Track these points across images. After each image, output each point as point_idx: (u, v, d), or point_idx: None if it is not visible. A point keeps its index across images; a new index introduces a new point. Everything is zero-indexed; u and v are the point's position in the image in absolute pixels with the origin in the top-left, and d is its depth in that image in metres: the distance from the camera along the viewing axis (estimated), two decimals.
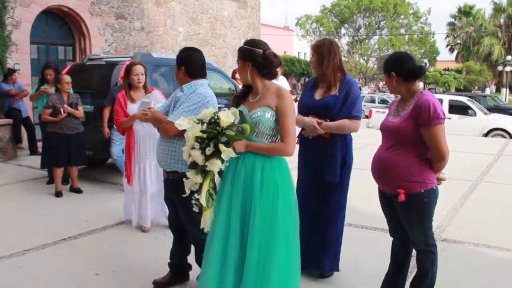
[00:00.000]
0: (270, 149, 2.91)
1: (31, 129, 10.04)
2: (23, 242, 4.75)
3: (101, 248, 4.67)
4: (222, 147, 2.67)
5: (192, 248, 3.83)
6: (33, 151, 9.97)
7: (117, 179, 7.65)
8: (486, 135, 14.99)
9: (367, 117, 19.74)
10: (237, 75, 9.03)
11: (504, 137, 14.70)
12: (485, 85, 49.25)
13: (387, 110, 15.68)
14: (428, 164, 3.05)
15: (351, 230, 5.05)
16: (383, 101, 30.18)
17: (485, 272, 4.22)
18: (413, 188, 3.00)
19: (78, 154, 6.79)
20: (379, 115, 17.70)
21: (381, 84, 60.70)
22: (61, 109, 6.53)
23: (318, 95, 3.84)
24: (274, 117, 2.91)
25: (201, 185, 2.77)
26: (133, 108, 4.95)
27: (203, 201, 2.74)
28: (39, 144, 9.89)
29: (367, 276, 3.99)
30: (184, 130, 2.78)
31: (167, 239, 4.80)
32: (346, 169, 3.88)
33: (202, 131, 2.69)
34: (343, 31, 45.90)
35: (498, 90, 48.49)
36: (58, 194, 6.65)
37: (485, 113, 16.03)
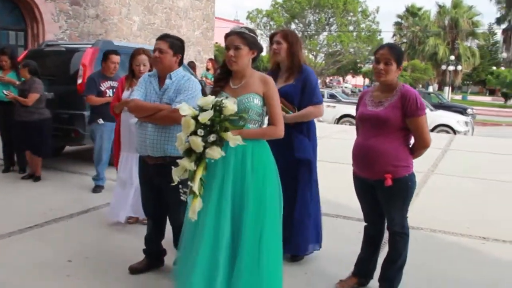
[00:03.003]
0: (263, 133, 3.05)
1: None
2: None
3: (70, 236, 4.64)
4: (229, 134, 2.74)
5: (168, 232, 3.89)
6: None
7: (77, 167, 7.57)
8: (432, 130, 15.60)
9: None
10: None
11: (448, 132, 15.37)
12: (428, 83, 51.00)
13: (337, 104, 15.86)
14: (409, 149, 3.28)
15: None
16: (332, 96, 30.60)
17: (443, 255, 4.49)
18: (400, 172, 3.20)
19: (32, 142, 6.67)
20: (330, 109, 18.10)
21: (328, 79, 61.83)
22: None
23: (278, 84, 3.76)
24: (261, 103, 3.04)
25: (193, 172, 2.79)
26: (125, 95, 4.80)
27: (196, 188, 2.76)
28: None
29: (336, 260, 4.17)
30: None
31: (136, 225, 4.85)
32: (313, 147, 3.99)
33: (209, 119, 2.72)
34: (293, 26, 46.30)
35: (440, 88, 50.36)
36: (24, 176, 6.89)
37: (431, 110, 16.69)
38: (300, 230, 3.97)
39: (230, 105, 2.78)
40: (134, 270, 3.81)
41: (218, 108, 2.76)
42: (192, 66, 12.30)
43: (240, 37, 3.02)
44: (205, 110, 2.77)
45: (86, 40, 12.53)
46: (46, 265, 3.95)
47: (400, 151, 3.22)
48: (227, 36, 3.09)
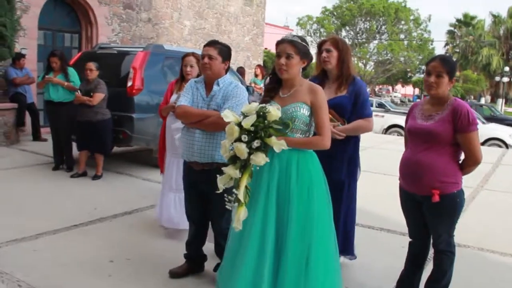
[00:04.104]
0: (308, 143, 3.00)
1: (36, 115, 10.04)
2: (35, 226, 4.77)
3: (113, 236, 4.72)
4: (273, 139, 2.72)
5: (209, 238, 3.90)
6: (36, 137, 9.97)
7: (124, 168, 7.72)
8: (483, 144, 15.13)
9: None
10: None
11: (500, 146, 14.85)
12: (480, 95, 49.61)
13: (385, 114, 15.55)
14: (459, 165, 3.18)
15: (358, 230, 5.14)
16: (381, 105, 30.17)
17: (491, 276, 4.32)
18: (448, 188, 3.10)
19: (95, 142, 6.92)
20: (378, 119, 17.82)
21: (377, 88, 61.00)
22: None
23: (327, 95, 3.65)
24: (309, 112, 3.00)
25: (238, 180, 2.77)
26: (173, 99, 4.79)
27: (241, 196, 2.74)
28: (43, 130, 9.95)
29: (377, 275, 4.07)
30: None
31: (180, 229, 4.87)
32: (354, 168, 3.87)
33: (252, 125, 2.71)
34: (343, 33, 45.98)
35: (493, 100, 48.88)
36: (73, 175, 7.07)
37: (483, 122, 16.20)
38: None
39: (274, 111, 2.75)
40: (174, 274, 3.83)
41: (262, 114, 2.75)
42: (241, 72, 12.36)
43: (292, 46, 3.00)
44: (248, 116, 2.76)
45: (137, 43, 12.80)
46: (89, 263, 4.02)
47: (448, 167, 3.12)
48: (278, 43, 3.07)
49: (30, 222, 4.90)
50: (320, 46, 3.88)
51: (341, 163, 3.74)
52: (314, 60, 3.95)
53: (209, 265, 3.91)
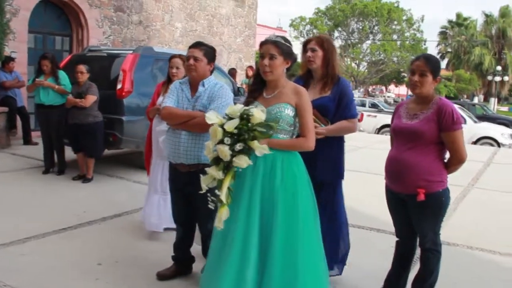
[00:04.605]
0: (293, 145, 2.99)
1: (26, 119, 9.98)
2: (23, 230, 4.75)
3: (102, 239, 4.70)
4: (255, 143, 2.70)
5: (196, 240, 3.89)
6: (27, 140, 9.91)
7: (113, 171, 7.70)
8: (475, 142, 15.19)
9: (358, 120, 19.88)
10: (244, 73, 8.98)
11: (492, 145, 14.93)
12: (473, 94, 49.76)
13: (378, 114, 15.66)
14: (444, 164, 3.18)
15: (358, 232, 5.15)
16: (374, 105, 30.24)
17: (480, 274, 4.33)
18: (433, 187, 3.10)
19: (87, 144, 6.91)
20: (370, 119, 17.88)
21: (370, 88, 61.09)
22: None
23: (311, 95, 3.55)
24: (293, 113, 2.99)
25: (221, 181, 2.77)
26: (159, 101, 4.78)
27: (223, 197, 2.73)
28: (34, 134, 9.90)
29: (367, 275, 4.08)
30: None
31: (167, 231, 4.86)
32: (338, 169, 3.79)
33: (235, 127, 2.70)
34: (336, 34, 46.10)
35: (485, 99, 49.05)
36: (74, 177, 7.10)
37: (475, 121, 16.28)
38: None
39: (258, 114, 2.74)
40: (162, 276, 3.82)
41: (245, 117, 2.74)
42: (232, 73, 12.38)
43: (275, 47, 2.98)
44: (232, 119, 2.75)
45: (128, 46, 12.76)
46: (76, 266, 4.01)
47: (433, 166, 3.12)
48: (262, 44, 3.07)
49: (18, 226, 4.88)
50: (305, 45, 3.78)
51: (325, 164, 3.65)
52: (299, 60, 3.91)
53: (197, 266, 3.90)
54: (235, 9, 17.46)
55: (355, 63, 47.14)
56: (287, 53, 3.01)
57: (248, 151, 2.73)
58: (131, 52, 7.61)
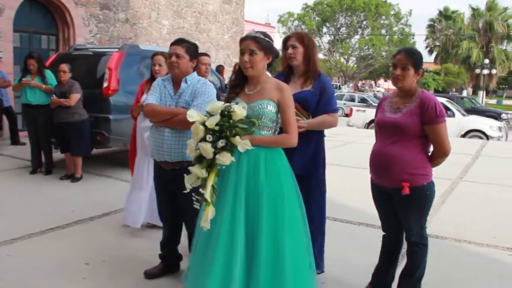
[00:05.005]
0: (275, 141, 2.98)
1: (13, 119, 9.91)
2: (10, 231, 4.72)
3: (89, 238, 4.67)
4: (237, 139, 2.69)
5: (183, 238, 3.88)
6: (14, 141, 9.84)
7: (101, 170, 7.66)
8: (464, 136, 15.29)
9: (347, 115, 19.97)
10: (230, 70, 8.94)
11: (481, 138, 15.03)
12: (462, 87, 50.04)
13: (367, 109, 15.78)
14: (428, 157, 3.19)
15: (337, 225, 5.16)
16: (363, 100, 30.47)
17: (468, 267, 4.35)
18: (417, 181, 3.11)
19: (73, 143, 6.87)
20: (359, 114, 17.94)
21: (360, 83, 61.27)
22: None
23: (292, 90, 3.51)
24: (276, 109, 2.98)
25: (205, 179, 2.75)
26: (143, 99, 4.76)
27: (208, 196, 2.71)
28: (21, 134, 9.83)
29: (355, 270, 4.08)
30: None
31: (155, 230, 4.84)
32: (318, 163, 3.76)
33: (217, 124, 2.68)
34: (324, 29, 46.16)
35: (474, 92, 49.37)
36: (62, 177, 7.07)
37: (463, 115, 16.38)
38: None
39: (239, 110, 2.73)
40: (150, 274, 3.80)
41: (226, 114, 2.72)
42: (220, 70, 12.34)
43: (255, 42, 2.97)
44: (213, 116, 2.74)
45: (115, 44, 12.68)
46: (63, 266, 3.98)
47: (417, 159, 3.13)
48: (242, 40, 3.05)
49: (5, 227, 4.84)
50: (285, 42, 3.77)
51: (304, 158, 3.64)
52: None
53: (184, 264, 3.87)
54: (222, 6, 17.41)
55: (344, 58, 47.22)
56: (267, 48, 2.99)
57: (230, 147, 2.71)
58: (116, 50, 7.56)
